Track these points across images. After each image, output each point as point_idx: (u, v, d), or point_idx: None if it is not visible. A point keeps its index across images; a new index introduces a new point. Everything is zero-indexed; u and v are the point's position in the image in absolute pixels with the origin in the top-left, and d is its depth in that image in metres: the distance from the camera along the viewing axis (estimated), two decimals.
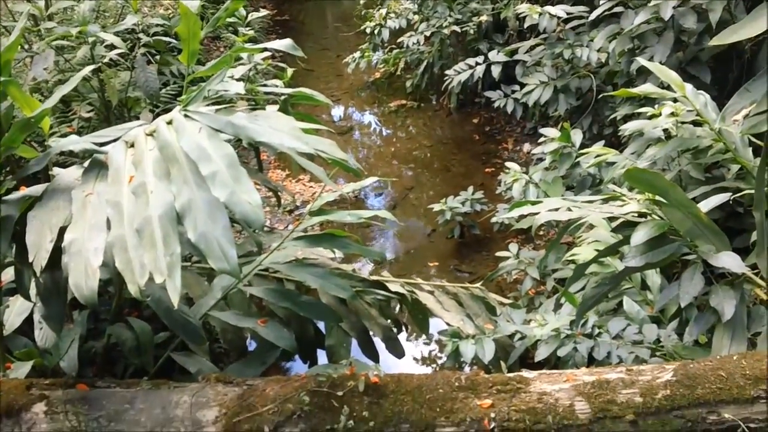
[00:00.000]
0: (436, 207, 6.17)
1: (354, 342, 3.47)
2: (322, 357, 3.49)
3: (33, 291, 2.62)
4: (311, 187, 7.34)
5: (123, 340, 3.11)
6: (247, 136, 2.34)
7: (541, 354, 3.70)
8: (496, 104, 7.23)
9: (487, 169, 7.53)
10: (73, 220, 2.34)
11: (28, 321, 3.02)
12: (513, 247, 5.02)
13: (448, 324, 3.71)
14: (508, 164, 5.56)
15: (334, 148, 2.59)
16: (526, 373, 2.70)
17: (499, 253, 5.09)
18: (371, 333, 3.44)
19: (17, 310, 2.93)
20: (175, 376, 3.11)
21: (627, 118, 4.81)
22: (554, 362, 3.74)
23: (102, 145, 2.59)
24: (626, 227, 2.92)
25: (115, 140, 2.61)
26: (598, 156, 4.25)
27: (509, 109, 7.12)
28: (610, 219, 3.48)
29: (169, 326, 3.08)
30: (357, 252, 3.24)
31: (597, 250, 3.74)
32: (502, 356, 3.82)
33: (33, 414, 2.74)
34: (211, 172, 2.18)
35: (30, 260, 2.35)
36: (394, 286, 3.55)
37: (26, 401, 2.76)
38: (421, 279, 3.99)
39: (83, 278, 2.19)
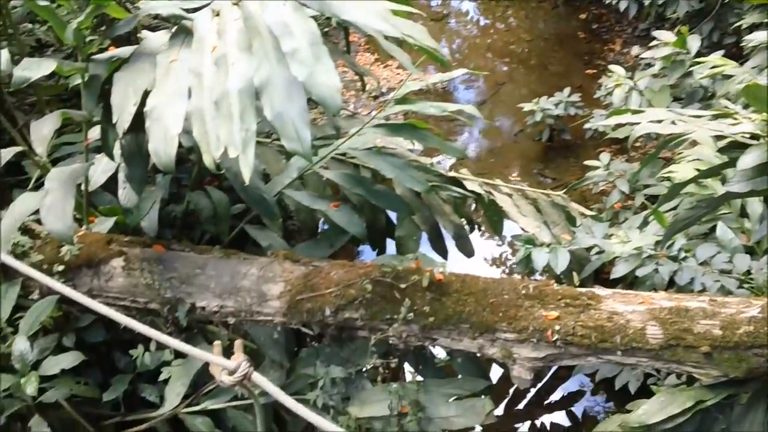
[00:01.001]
0: (527, 106, 5.88)
1: (424, 236, 3.43)
2: (390, 247, 3.48)
3: (117, 151, 2.67)
4: (399, 74, 7.14)
5: (201, 207, 3.18)
6: (332, 12, 2.20)
7: (618, 271, 3.56)
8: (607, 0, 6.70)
9: (588, 71, 7.08)
10: (156, 86, 2.32)
11: (113, 179, 3.10)
12: (604, 156, 4.76)
13: (523, 229, 3.60)
14: (612, 67, 5.19)
15: (424, 35, 2.43)
16: (598, 290, 2.59)
17: (588, 162, 4.84)
18: (442, 229, 3.38)
19: (103, 168, 3.01)
20: (248, 248, 3.17)
21: (753, 28, 4.33)
22: (630, 281, 3.60)
23: (190, 11, 2.52)
24: (734, 149, 2.65)
25: (202, 7, 2.53)
26: (714, 67, 3.88)
27: (622, 6, 6.58)
28: (717, 138, 3.20)
29: (244, 199, 3.12)
30: (437, 146, 3.12)
31: (698, 170, 3.47)
32: (576, 269, 3.70)
33: (111, 267, 2.88)
34: (292, 49, 2.08)
35: (114, 121, 2.38)
36: (472, 185, 3.44)
37: (106, 255, 2.90)
38: (501, 180, 3.85)
39: (162, 144, 2.19)
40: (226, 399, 2.95)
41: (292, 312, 2.68)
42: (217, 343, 1.63)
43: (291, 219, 3.81)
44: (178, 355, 2.94)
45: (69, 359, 2.82)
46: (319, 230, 3.54)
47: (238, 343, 1.57)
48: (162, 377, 2.89)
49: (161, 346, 2.96)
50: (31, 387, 2.72)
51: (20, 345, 2.80)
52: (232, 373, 1.42)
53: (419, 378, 2.88)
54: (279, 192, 3.18)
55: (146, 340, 3.01)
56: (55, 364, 2.80)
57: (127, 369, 3.10)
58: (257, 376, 1.43)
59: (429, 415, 2.79)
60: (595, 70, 7.03)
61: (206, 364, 1.93)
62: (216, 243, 3.18)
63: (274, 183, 3.22)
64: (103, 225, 3.07)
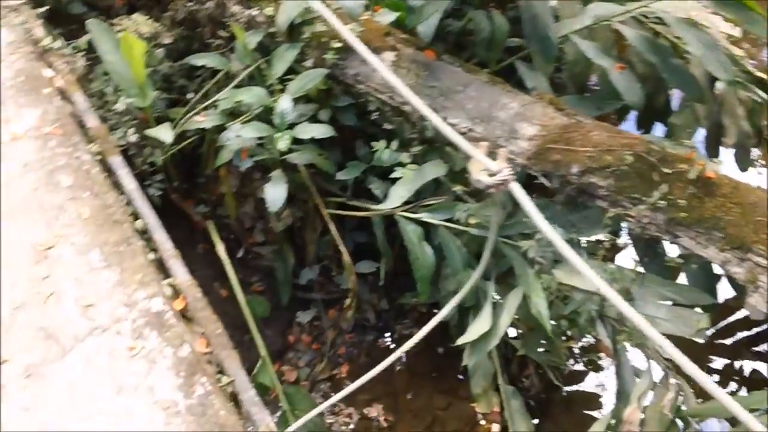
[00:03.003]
0: None
1: (698, 133, 3.08)
2: (657, 133, 3.18)
3: None
4: None
5: (480, 28, 3.08)
6: None
7: None
8: None
9: None
10: None
11: None
12: None
13: None
14: None
15: None
16: None
17: None
18: (724, 131, 3.00)
19: None
20: (510, 84, 3.06)
21: None
22: None
23: None
24: None
25: None
26: None
27: None
28: None
29: (525, 33, 2.96)
30: (763, 34, 2.67)
31: None
32: None
33: (382, 58, 2.91)
34: None
35: None
36: None
37: (381, 45, 2.94)
38: None
39: None
40: (442, 218, 3.01)
41: (537, 158, 2.58)
42: (483, 143, 1.60)
43: (558, 71, 3.59)
44: (414, 162, 3.03)
45: (321, 130, 3.00)
46: (586, 91, 3.31)
47: (503, 152, 1.52)
48: (394, 175, 2.99)
49: (403, 146, 3.05)
50: (283, 143, 2.96)
51: (284, 104, 3.02)
52: (492, 175, 1.38)
53: (640, 269, 2.70)
54: (564, 36, 2.97)
55: (389, 137, 3.12)
56: (308, 131, 3.01)
57: (363, 159, 3.26)
58: (515, 186, 1.38)
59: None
60: None
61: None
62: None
63: (562, 24, 3.01)
64: (385, 17, 3.11)
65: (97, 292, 2.35)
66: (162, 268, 2.47)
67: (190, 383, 2.15)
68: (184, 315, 2.35)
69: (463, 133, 2.79)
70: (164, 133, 2.96)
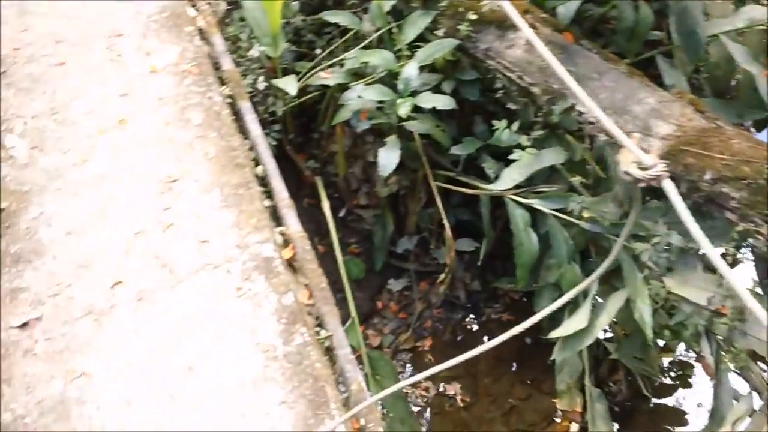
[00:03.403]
0: None
1: None
2: None
3: None
4: None
5: (623, 17, 2.96)
6: None
7: None
8: None
9: None
10: None
11: None
12: None
13: None
14: None
15: None
16: None
17: None
18: None
19: None
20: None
21: None
22: None
23: None
24: None
25: None
26: None
27: None
28: None
29: (672, 27, 2.81)
30: None
31: None
32: None
33: (517, 37, 2.85)
34: None
35: None
36: None
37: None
38: None
39: None
40: (553, 207, 2.94)
41: (669, 158, 2.45)
42: (635, 134, 1.53)
43: (696, 72, 3.41)
44: (533, 146, 2.96)
45: (443, 101, 2.97)
46: (726, 96, 3.13)
47: (658, 144, 1.46)
48: (511, 156, 2.94)
49: (523, 128, 2.99)
50: (404, 109, 2.95)
51: (410, 70, 3.00)
52: (644, 169, 1.32)
53: (759, 290, 2.56)
54: (712, 36, 2.81)
55: (509, 118, 3.06)
56: (430, 100, 2.98)
57: (480, 136, 3.21)
58: (668, 184, 1.31)
59: (745, 330, 2.52)
60: None
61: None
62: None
63: (711, 23, 2.84)
64: None
65: (214, 230, 2.44)
66: (275, 216, 2.53)
67: (290, 331, 2.21)
68: (291, 264, 2.41)
69: (591, 123, 2.72)
70: (290, 85, 3.01)
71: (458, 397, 3.44)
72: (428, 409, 3.39)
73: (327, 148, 3.49)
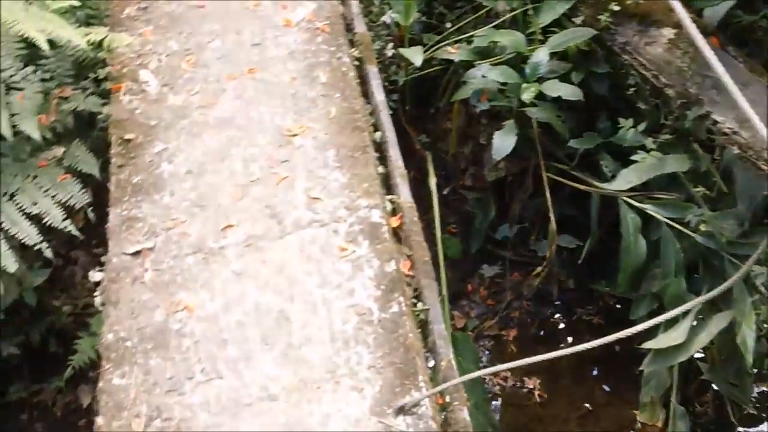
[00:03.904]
0: None
1: None
2: None
3: None
4: None
5: None
6: None
7: None
8: None
9: None
10: None
11: None
12: None
13: None
14: None
15: None
16: None
17: None
18: None
19: None
20: None
21: None
22: None
23: None
24: None
25: None
26: None
27: None
28: None
29: None
30: None
31: None
32: None
33: (659, 34, 2.73)
34: None
35: None
36: None
37: (661, 18, 2.74)
38: None
39: None
40: (668, 215, 2.84)
41: None
42: None
43: None
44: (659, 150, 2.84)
45: (570, 91, 2.89)
46: None
47: None
48: (633, 157, 2.83)
49: (649, 130, 2.88)
50: (528, 94, 2.89)
51: (540, 55, 2.93)
52: None
53: None
54: None
55: (636, 117, 2.95)
56: (556, 89, 2.91)
57: (601, 132, 3.11)
58: None
59: None
60: None
61: None
62: None
63: None
64: None
65: (325, 189, 2.48)
66: (386, 184, 2.55)
67: (388, 299, 2.22)
68: (397, 234, 2.42)
69: (725, 134, 2.58)
70: (416, 56, 3.00)
71: (536, 392, 3.39)
72: (503, 399, 3.37)
73: (441, 124, 3.48)
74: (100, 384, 2.17)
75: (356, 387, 2.06)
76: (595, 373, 3.42)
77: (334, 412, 2.02)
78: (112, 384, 2.15)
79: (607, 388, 3.38)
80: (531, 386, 3.39)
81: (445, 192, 3.62)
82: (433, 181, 3.30)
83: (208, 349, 2.17)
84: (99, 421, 2.10)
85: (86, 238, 2.91)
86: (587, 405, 3.32)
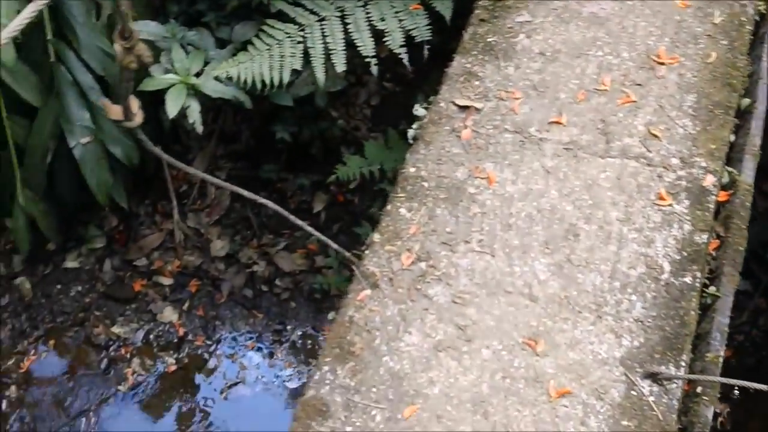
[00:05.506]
0: None
1: None
2: None
3: None
4: None
5: None
6: None
7: None
8: None
9: None
10: None
11: None
12: None
13: None
14: None
15: None
16: None
17: None
18: None
19: None
20: None
21: None
22: None
23: None
24: None
25: None
26: None
27: None
28: None
29: None
30: None
31: None
32: None
33: None
34: None
35: None
36: None
37: None
38: None
39: None
40: None
41: None
42: None
43: None
44: None
45: None
46: None
47: None
48: None
49: None
50: None
51: None
52: None
53: None
54: None
55: None
56: None
57: None
58: None
59: None
60: None
61: None
62: None
63: None
64: None
65: (669, 131, 2.32)
66: (729, 156, 2.33)
67: (684, 267, 2.09)
68: (719, 209, 2.24)
69: None
70: None
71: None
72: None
73: None
74: (388, 206, 2.29)
75: (616, 331, 2.00)
76: None
77: (584, 342, 1.99)
78: (399, 212, 2.26)
79: None
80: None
81: None
82: None
83: (492, 224, 2.20)
84: (375, 237, 2.24)
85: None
86: None
